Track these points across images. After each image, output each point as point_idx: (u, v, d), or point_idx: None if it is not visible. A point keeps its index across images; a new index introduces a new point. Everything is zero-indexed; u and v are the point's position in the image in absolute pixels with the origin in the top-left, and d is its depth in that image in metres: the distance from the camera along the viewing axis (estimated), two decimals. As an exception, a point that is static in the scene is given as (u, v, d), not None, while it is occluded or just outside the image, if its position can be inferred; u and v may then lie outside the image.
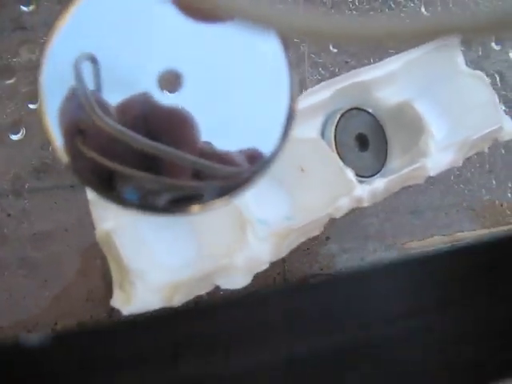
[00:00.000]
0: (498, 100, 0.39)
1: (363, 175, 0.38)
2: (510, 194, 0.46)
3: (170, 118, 0.15)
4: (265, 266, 0.33)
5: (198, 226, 0.33)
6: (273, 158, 0.17)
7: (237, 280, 0.32)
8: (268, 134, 0.17)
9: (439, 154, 0.37)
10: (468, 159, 0.46)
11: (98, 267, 0.37)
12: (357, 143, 0.39)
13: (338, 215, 0.34)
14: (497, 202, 0.46)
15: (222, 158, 0.16)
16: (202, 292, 0.33)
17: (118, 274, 0.32)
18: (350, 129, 0.38)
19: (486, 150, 0.43)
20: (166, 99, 0.16)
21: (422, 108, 0.38)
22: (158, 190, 0.15)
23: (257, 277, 0.34)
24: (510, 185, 0.46)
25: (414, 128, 0.38)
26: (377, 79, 0.37)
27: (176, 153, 0.15)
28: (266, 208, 0.34)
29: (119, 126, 0.15)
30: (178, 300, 0.31)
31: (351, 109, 0.39)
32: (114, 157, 0.15)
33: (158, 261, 0.32)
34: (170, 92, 0.16)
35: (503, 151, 0.47)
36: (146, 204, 0.16)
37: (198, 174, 0.16)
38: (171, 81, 0.16)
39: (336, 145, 0.37)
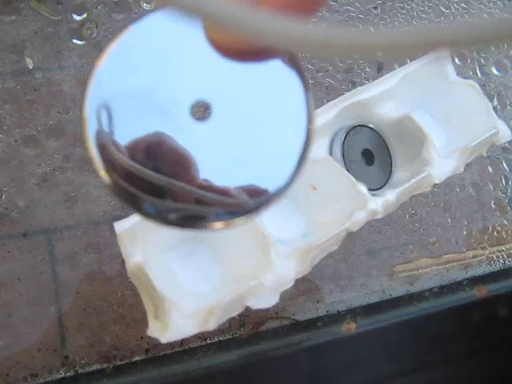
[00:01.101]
0: (491, 106, 0.41)
1: (371, 188, 0.38)
2: (465, 232, 0.46)
3: (173, 157, 0.17)
4: (291, 284, 0.34)
5: (221, 252, 0.35)
6: (288, 184, 0.18)
7: (266, 300, 0.33)
8: (283, 164, 0.18)
9: (442, 161, 0.39)
10: (425, 198, 0.45)
11: (52, 315, 0.36)
12: (363, 158, 0.40)
13: (355, 229, 0.35)
14: (452, 240, 0.46)
15: (221, 192, 0.17)
16: (235, 314, 0.34)
17: (150, 304, 0.34)
18: (355, 145, 0.40)
19: (485, 154, 0.43)
20: (195, 127, 0.17)
21: (421, 119, 0.40)
22: (167, 208, 0.17)
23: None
24: (465, 223, 0.46)
25: (416, 139, 0.39)
26: (376, 96, 0.38)
27: (179, 184, 0.17)
28: (282, 228, 0.35)
29: (129, 161, 0.17)
30: (213, 323, 0.32)
31: (355, 126, 0.39)
32: (132, 181, 0.17)
33: (189, 288, 0.34)
34: (200, 120, 0.17)
35: (458, 190, 0.46)
36: (164, 219, 0.17)
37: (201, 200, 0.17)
38: (201, 110, 0.17)
39: (344, 162, 0.38)
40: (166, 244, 0.35)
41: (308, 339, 0.41)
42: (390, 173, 0.40)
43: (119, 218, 0.42)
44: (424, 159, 0.39)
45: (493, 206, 0.47)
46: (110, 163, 0.17)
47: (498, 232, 0.47)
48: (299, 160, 0.18)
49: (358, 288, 0.43)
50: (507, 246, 0.46)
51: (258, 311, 0.34)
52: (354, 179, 0.36)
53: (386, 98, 0.39)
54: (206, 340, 0.41)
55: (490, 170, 0.48)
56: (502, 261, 0.46)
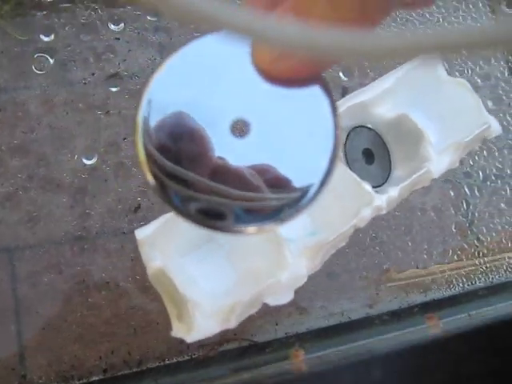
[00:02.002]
0: (481, 102, 0.43)
1: (373, 186, 0.40)
2: (425, 256, 0.46)
3: (191, 136, 0.19)
4: (304, 280, 0.36)
5: (235, 252, 0.36)
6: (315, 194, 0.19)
7: (282, 297, 0.35)
8: (312, 175, 0.19)
9: (439, 157, 0.41)
10: (386, 222, 0.46)
11: (11, 334, 0.35)
12: (364, 157, 0.42)
13: (362, 225, 0.37)
14: (412, 263, 0.46)
15: (236, 173, 0.19)
16: (254, 311, 0.36)
17: (172, 307, 0.35)
18: (356, 145, 0.42)
19: (477, 148, 0.45)
20: (233, 142, 0.19)
21: (417, 118, 0.41)
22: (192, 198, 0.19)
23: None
24: (425, 246, 0.47)
25: (413, 137, 0.41)
26: (373, 98, 0.41)
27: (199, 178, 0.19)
28: (289, 227, 0.35)
29: (173, 165, 0.18)
30: (234, 321, 0.34)
31: (355, 127, 0.42)
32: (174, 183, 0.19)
33: (209, 289, 0.35)
34: (239, 136, 0.19)
35: (419, 214, 0.47)
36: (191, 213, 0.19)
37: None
38: (241, 127, 0.19)
39: (347, 161, 0.41)
40: (184, 248, 0.36)
41: (265, 362, 0.41)
42: (390, 170, 0.43)
43: (81, 237, 0.42)
44: (421, 156, 0.41)
45: (453, 229, 0.48)
46: (156, 167, 0.18)
47: (458, 256, 0.47)
48: (325, 174, 0.19)
49: (317, 310, 0.44)
50: (466, 270, 0.47)
51: (276, 306, 0.36)
52: (358, 178, 0.38)
53: (382, 98, 0.41)
54: (164, 361, 0.41)
55: (452, 194, 0.48)
56: (461, 284, 0.47)
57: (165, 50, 0.46)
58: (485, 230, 0.48)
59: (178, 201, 0.19)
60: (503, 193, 0.50)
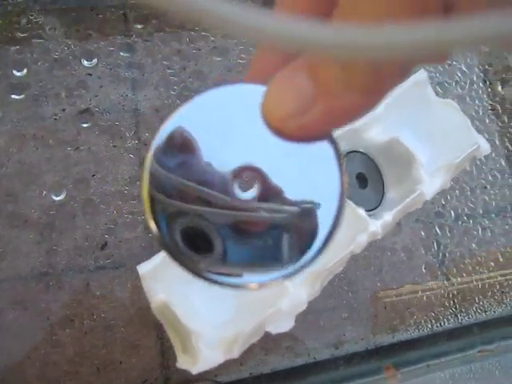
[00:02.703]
0: (469, 122, 0.43)
1: (367, 209, 0.41)
2: (394, 297, 0.46)
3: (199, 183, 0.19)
4: (304, 307, 0.37)
5: None
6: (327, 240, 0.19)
7: (283, 324, 0.37)
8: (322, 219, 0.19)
9: (431, 179, 0.41)
10: (355, 261, 0.46)
11: None
12: (357, 182, 0.44)
13: (358, 251, 0.38)
14: (381, 303, 0.46)
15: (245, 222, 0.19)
16: (256, 339, 0.37)
17: (177, 339, 0.36)
18: (349, 170, 0.43)
19: (468, 168, 0.46)
20: (241, 188, 0.19)
21: (408, 140, 0.42)
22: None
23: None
24: (394, 287, 0.46)
25: (404, 160, 0.42)
26: (365, 123, 0.42)
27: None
28: None
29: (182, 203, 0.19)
30: (237, 351, 0.34)
31: (348, 152, 0.43)
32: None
33: (211, 319, 0.36)
34: (246, 187, 0.19)
35: (389, 253, 0.47)
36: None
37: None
38: (249, 173, 0.19)
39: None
40: (185, 279, 0.37)
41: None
42: (383, 193, 0.44)
43: (47, 274, 0.42)
44: (414, 178, 0.42)
45: (423, 270, 0.48)
46: (162, 215, 0.19)
47: (427, 297, 0.47)
48: (335, 219, 0.19)
49: (283, 351, 0.44)
50: (436, 311, 0.47)
51: (277, 334, 0.37)
52: (353, 204, 0.39)
53: (373, 123, 0.42)
54: (126, 401, 0.41)
55: (423, 234, 0.48)
56: (429, 326, 0.47)
57: (137, 86, 0.46)
58: (455, 271, 0.48)
59: (183, 253, 0.19)
60: (475, 233, 0.50)
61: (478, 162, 0.51)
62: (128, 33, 0.46)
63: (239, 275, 0.19)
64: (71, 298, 0.42)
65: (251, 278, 0.19)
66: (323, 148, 0.19)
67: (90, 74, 0.45)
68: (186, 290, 0.36)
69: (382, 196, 0.44)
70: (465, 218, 0.50)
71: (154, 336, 0.42)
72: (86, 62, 0.46)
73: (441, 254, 0.48)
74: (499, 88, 0.55)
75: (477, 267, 0.49)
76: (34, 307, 0.42)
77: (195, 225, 0.19)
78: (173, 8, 0.12)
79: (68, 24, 0.46)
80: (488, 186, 0.51)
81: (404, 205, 0.41)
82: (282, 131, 0.18)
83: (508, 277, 0.50)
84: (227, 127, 0.19)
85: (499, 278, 0.49)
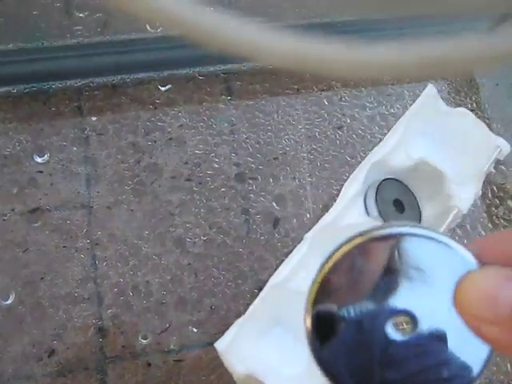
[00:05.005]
0: (486, 126, 0.44)
1: None
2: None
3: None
4: None
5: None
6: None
7: None
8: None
9: (463, 192, 0.42)
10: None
11: None
12: (395, 208, 0.45)
13: None
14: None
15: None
16: None
17: None
18: (386, 198, 0.44)
19: (493, 170, 0.47)
20: (399, 333, 0.19)
21: (432, 157, 0.44)
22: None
23: None
24: None
25: (434, 178, 0.43)
26: (390, 151, 0.43)
27: None
28: None
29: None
30: None
31: (382, 181, 0.44)
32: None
33: (289, 375, 0.37)
34: (405, 327, 0.19)
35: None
36: None
37: None
38: (407, 320, 0.19)
39: (382, 218, 0.43)
40: (262, 347, 0.39)
41: None
42: (420, 214, 0.45)
43: None
44: (447, 194, 0.43)
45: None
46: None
47: None
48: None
49: None
50: None
51: None
52: None
53: (398, 149, 0.44)
54: None
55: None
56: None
57: (90, 182, 0.45)
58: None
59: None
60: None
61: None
62: (82, 126, 0.45)
63: None
64: (17, 408, 0.41)
65: None
66: None
67: (41, 172, 0.44)
68: (264, 357, 0.38)
69: (420, 217, 0.45)
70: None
71: None
72: (37, 158, 0.45)
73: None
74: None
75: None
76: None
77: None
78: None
79: (20, 118, 0.45)
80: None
81: (447, 224, 0.42)
82: (479, 331, 0.17)
83: None
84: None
85: None
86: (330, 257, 0.20)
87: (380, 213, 0.43)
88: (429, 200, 0.45)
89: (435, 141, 0.46)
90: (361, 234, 0.20)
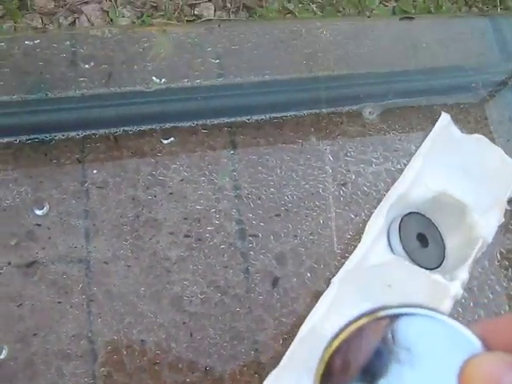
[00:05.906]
0: (503, 151, 0.45)
1: (435, 266, 0.42)
2: None
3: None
4: None
5: None
6: None
7: None
8: None
9: (486, 221, 0.42)
10: None
11: None
12: (419, 242, 0.44)
13: None
14: None
15: None
16: None
17: None
18: (409, 233, 0.44)
19: None
20: None
21: (453, 188, 0.43)
22: None
23: None
24: None
25: (456, 209, 0.43)
26: (410, 186, 0.43)
27: None
28: None
29: None
30: None
31: (404, 216, 0.44)
32: None
33: None
34: None
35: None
36: None
37: None
38: None
39: (407, 253, 0.43)
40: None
41: None
42: (444, 246, 0.45)
43: None
44: (470, 224, 0.43)
45: None
46: None
47: None
48: None
49: None
50: None
51: None
52: (428, 272, 0.40)
53: (418, 182, 0.44)
54: None
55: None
56: None
57: (88, 236, 0.44)
58: None
59: None
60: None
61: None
62: (82, 179, 0.45)
63: None
64: None
65: None
66: None
67: (40, 225, 0.44)
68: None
69: (444, 249, 0.45)
70: None
71: None
72: (37, 211, 0.44)
73: None
74: None
75: None
76: None
77: None
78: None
79: (20, 170, 0.45)
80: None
81: (473, 257, 0.42)
82: None
83: None
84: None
85: None
86: (336, 336, 0.20)
87: (404, 248, 0.43)
88: (452, 231, 0.45)
89: (453, 170, 0.45)
90: (366, 315, 0.20)
